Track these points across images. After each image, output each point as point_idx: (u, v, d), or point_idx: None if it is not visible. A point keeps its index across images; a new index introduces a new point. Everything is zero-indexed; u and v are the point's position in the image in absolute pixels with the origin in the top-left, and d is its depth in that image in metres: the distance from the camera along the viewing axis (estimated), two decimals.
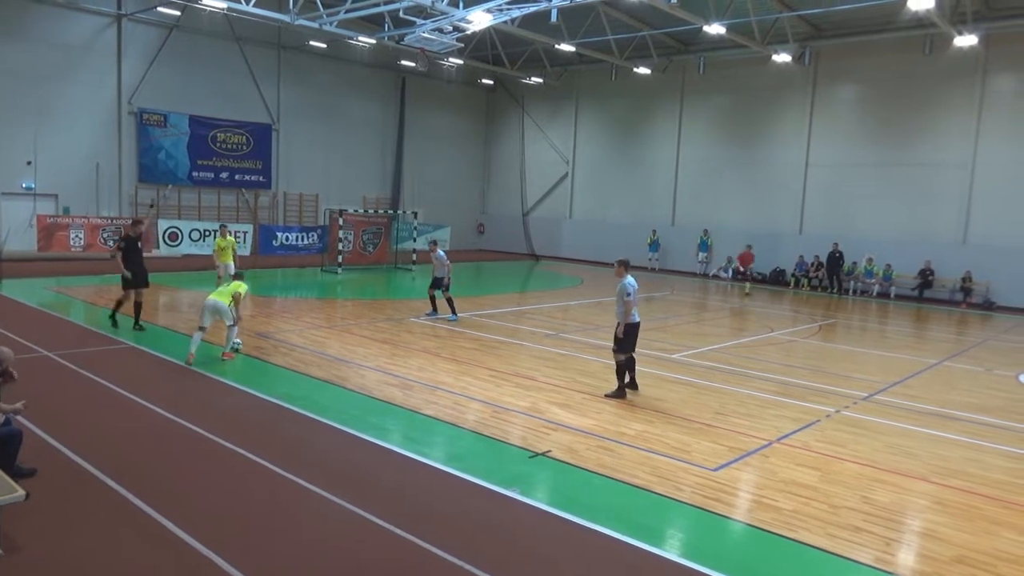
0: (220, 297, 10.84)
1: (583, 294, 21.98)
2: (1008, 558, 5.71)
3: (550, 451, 7.59)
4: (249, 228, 27.65)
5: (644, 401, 9.81)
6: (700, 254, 29.37)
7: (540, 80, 33.99)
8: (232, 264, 16.96)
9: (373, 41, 25.65)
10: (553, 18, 21.45)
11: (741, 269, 27.69)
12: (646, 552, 5.54)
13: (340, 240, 25.02)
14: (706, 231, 29.40)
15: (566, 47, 26.77)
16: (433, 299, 15.98)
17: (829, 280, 25.67)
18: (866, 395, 10.88)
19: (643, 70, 29.37)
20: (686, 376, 11.41)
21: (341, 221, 24.86)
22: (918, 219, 24.83)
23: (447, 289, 15.51)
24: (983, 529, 6.25)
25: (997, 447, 8.71)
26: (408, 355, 11.93)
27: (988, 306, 23.01)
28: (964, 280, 23.59)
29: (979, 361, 14.37)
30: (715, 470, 7.30)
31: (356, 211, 28.48)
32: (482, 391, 9.88)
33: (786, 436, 8.54)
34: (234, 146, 28.20)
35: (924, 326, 19.79)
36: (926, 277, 24.24)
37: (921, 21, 21.40)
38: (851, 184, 26.16)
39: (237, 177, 28.51)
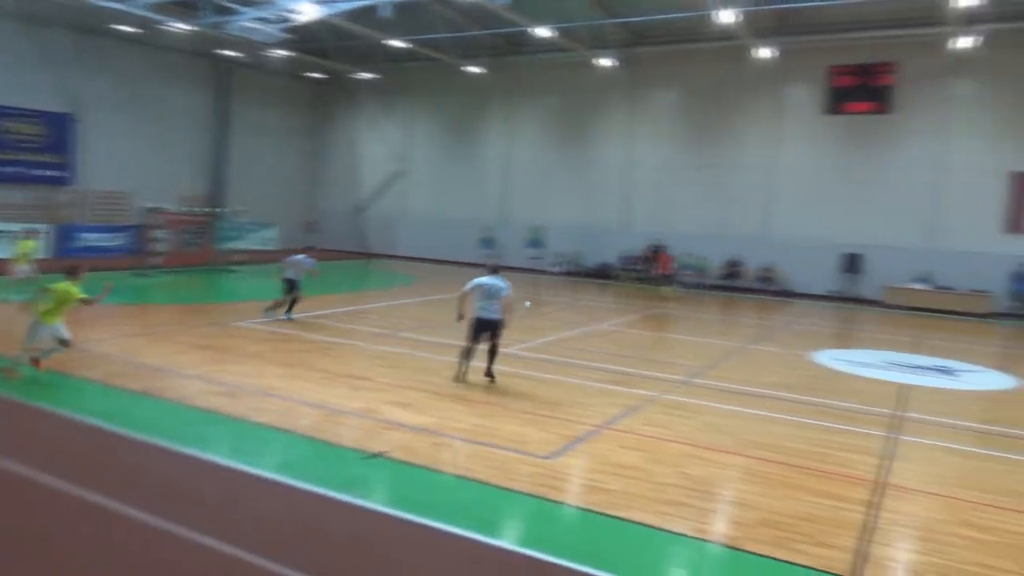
0: (55, 318, 9.62)
1: (417, 292, 21.92)
2: (808, 517, 6.34)
3: (387, 451, 7.48)
4: (46, 228, 24.86)
5: (481, 395, 9.94)
6: (531, 250, 30.19)
7: (373, 76, 33.43)
8: (28, 268, 15.31)
9: (188, 27, 24.01)
10: (383, 13, 21.16)
11: (663, 272, 27.04)
12: (485, 544, 5.60)
13: (156, 240, 23.23)
14: (537, 228, 30.30)
15: (397, 43, 26.53)
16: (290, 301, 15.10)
17: (652, 273, 27.31)
18: (684, 379, 11.68)
19: (475, 69, 29.75)
20: (522, 369, 11.68)
21: (158, 219, 23.09)
22: (728, 216, 27.07)
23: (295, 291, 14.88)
24: (786, 494, 6.90)
25: (798, 419, 9.68)
26: (235, 361, 11.30)
27: (787, 294, 25.55)
28: (766, 271, 26.04)
29: (780, 343, 15.90)
30: (549, 458, 7.53)
31: (175, 209, 26.51)
32: (315, 394, 9.55)
33: (614, 421, 8.98)
34: (27, 138, 25.34)
35: (733, 314, 21.62)
36: (733, 269, 26.55)
37: (728, 33, 23.28)
38: (671, 183, 28.03)
39: (33, 172, 25.64)
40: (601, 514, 6.25)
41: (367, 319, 16.28)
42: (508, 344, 13.59)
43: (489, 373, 10.57)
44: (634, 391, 10.65)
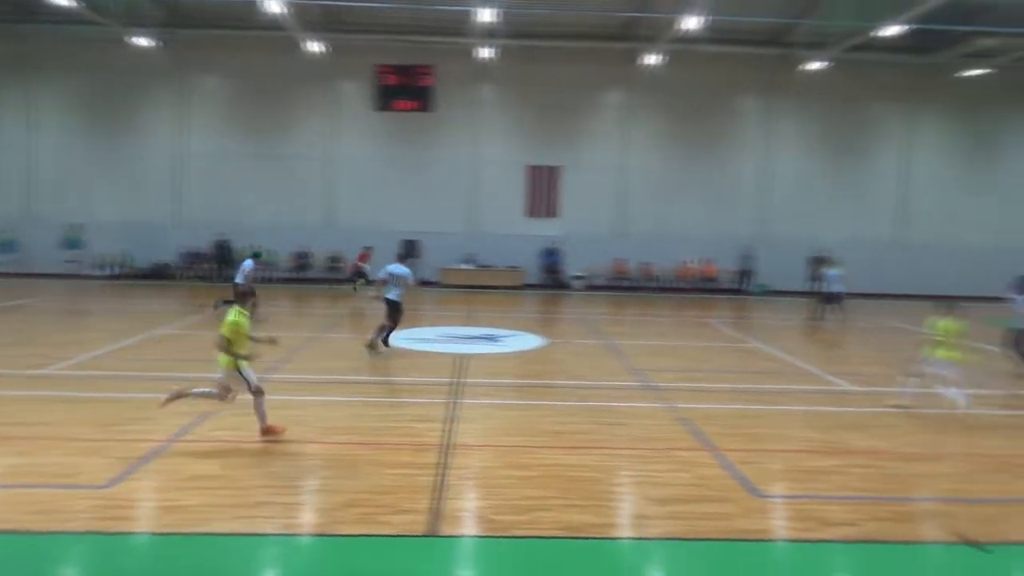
0: None
1: None
2: (387, 490, 6.73)
3: None
4: None
5: (14, 431, 8.30)
6: (68, 252, 26.10)
7: None
8: None
9: None
10: None
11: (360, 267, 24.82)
12: None
13: None
14: (74, 226, 26.28)
15: None
16: None
17: (218, 269, 25.85)
18: (261, 375, 11.35)
19: None
20: (66, 391, 10.06)
21: None
22: (293, 208, 27.02)
23: None
24: (365, 472, 7.21)
25: (372, 399, 10.19)
26: None
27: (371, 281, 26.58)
28: (334, 260, 26.72)
29: (351, 330, 16.50)
30: (108, 487, 6.65)
31: None
32: None
33: (185, 432, 8.32)
34: None
35: (306, 305, 21.74)
36: (302, 260, 26.67)
37: (278, 24, 22.95)
38: (230, 175, 26.81)
39: None
40: (178, 534, 5.75)
41: None
42: (45, 364, 11.58)
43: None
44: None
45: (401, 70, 26.65)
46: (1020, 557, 5.91)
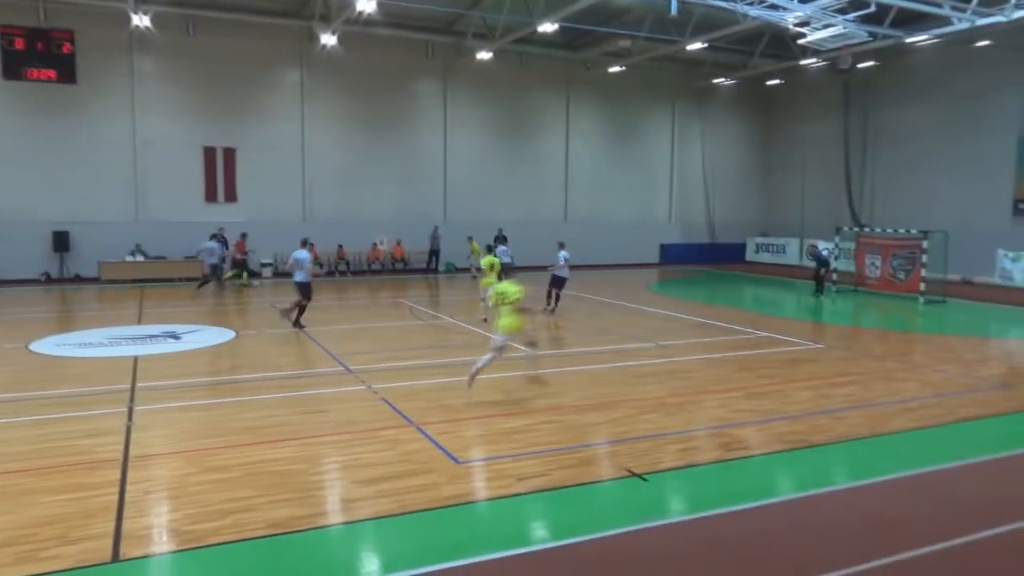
0: None
1: None
2: (53, 519, 5.82)
3: None
4: None
5: None
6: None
7: None
8: None
9: None
10: None
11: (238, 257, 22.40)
12: None
13: None
14: None
15: None
16: None
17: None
18: None
19: None
20: None
21: None
22: None
23: None
24: (21, 504, 6.15)
25: (28, 419, 8.68)
26: None
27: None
28: None
29: None
30: None
31: None
32: None
33: None
34: None
35: None
36: None
37: None
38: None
39: None
40: None
41: None
42: None
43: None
44: None
45: (34, 34, 22.80)
46: (670, 480, 7.02)
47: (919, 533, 5.80)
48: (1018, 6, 19.54)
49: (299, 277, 15.20)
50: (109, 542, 5.47)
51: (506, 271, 11.87)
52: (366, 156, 27.75)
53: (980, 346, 15.10)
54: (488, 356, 9.82)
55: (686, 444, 8.05)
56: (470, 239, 24.73)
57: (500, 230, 24.23)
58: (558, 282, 17.71)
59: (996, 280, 24.67)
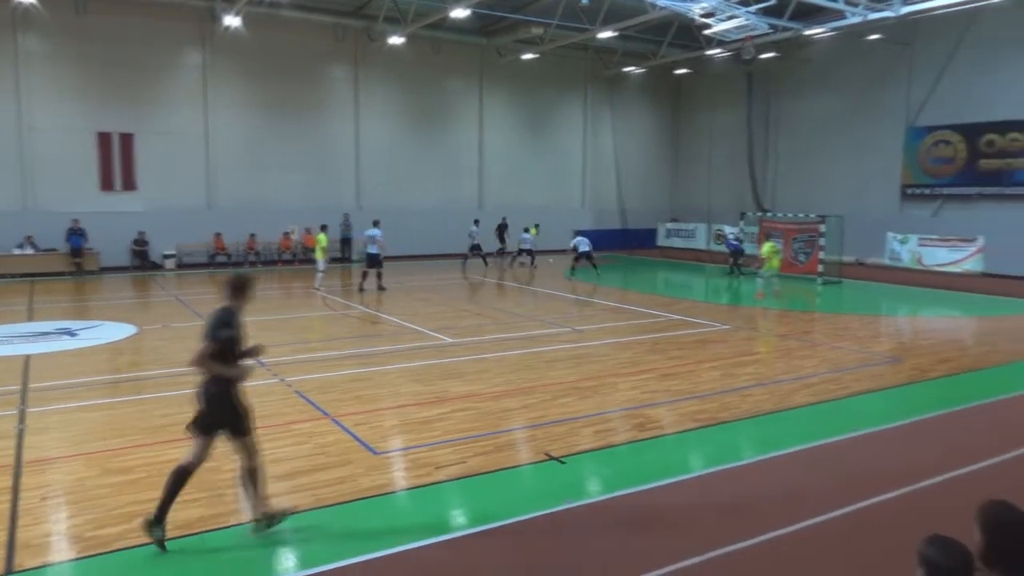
0: None
1: None
2: None
3: None
4: None
5: None
6: None
7: None
8: None
9: None
10: None
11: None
12: None
13: None
14: None
15: None
16: None
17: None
18: None
19: None
20: None
21: None
22: None
23: None
24: None
25: None
26: None
27: None
28: None
29: None
30: None
31: None
32: None
33: None
34: None
35: None
36: None
37: None
38: None
39: None
40: None
41: None
42: None
43: None
44: None
45: None
46: (586, 462, 7.16)
47: (818, 503, 6.13)
48: (905, 2, 20.75)
49: (372, 249, 18.96)
50: (1, 553, 5.16)
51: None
52: (274, 142, 26.87)
53: (873, 323, 16.03)
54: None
55: (601, 426, 8.23)
56: (323, 228, 21.39)
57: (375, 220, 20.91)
58: (374, 261, 19.53)
59: (886, 261, 26.24)
